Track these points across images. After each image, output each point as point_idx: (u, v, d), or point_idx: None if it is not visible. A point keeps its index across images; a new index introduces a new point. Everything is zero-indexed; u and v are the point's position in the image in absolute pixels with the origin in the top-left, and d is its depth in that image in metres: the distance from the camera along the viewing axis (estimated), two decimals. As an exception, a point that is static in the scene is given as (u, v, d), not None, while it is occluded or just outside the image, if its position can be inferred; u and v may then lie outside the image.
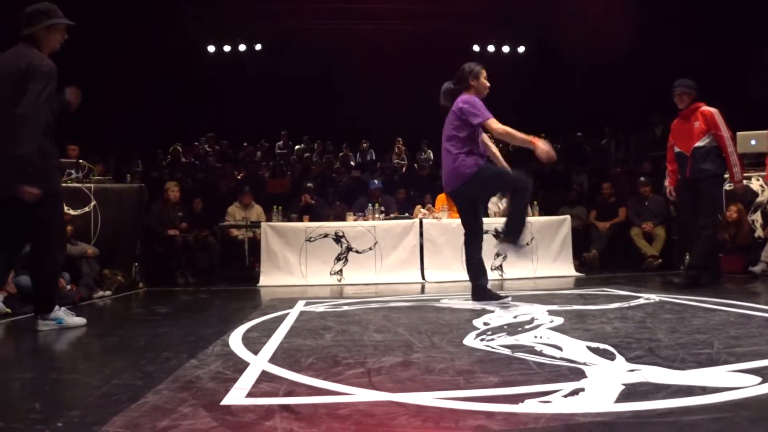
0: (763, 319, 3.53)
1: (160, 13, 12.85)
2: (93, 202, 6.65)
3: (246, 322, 4.01)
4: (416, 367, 2.49)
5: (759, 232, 6.92)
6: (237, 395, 2.14)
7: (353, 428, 1.75)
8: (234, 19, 14.33)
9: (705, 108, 5.59)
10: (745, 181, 7.07)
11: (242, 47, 15.17)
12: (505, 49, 15.76)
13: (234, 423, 1.84)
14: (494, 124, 4.40)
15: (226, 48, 15.16)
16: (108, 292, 6.22)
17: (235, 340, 3.29)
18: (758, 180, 7.16)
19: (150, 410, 1.98)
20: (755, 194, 7.13)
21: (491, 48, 15.67)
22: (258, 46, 15.21)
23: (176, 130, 13.66)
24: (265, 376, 2.44)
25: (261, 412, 1.94)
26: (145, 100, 13.03)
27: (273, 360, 2.73)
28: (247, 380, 2.36)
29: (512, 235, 4.49)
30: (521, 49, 15.87)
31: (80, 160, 7.09)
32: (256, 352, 2.91)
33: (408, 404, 1.95)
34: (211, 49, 15.14)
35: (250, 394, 2.16)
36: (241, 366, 2.62)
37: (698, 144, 5.57)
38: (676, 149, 5.84)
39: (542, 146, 4.36)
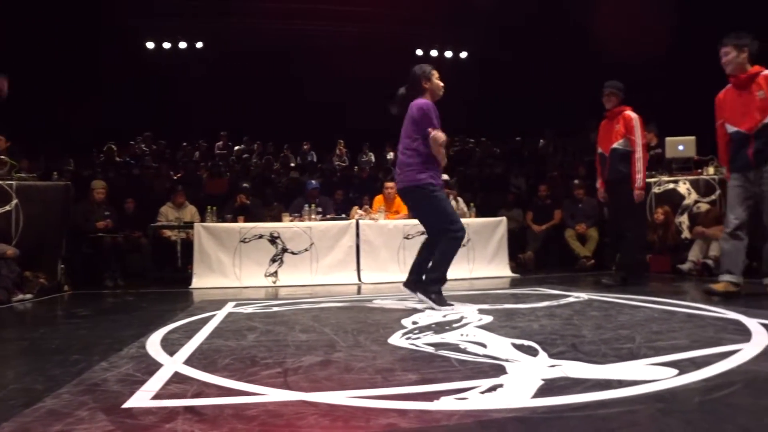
0: (685, 314, 3.59)
1: (99, 8, 12.42)
2: (15, 201, 6.30)
3: (169, 323, 3.85)
4: (335, 366, 2.40)
5: (686, 234, 7.12)
6: (142, 397, 2.03)
7: (258, 429, 1.66)
8: (175, 15, 13.95)
9: (627, 112, 5.75)
10: (672, 185, 7.34)
11: (183, 45, 14.74)
12: (448, 54, 15.87)
13: (132, 426, 1.73)
14: (439, 137, 4.28)
15: (166, 45, 14.71)
16: (29, 295, 5.88)
17: (154, 341, 3.14)
18: (685, 183, 7.37)
19: (44, 415, 1.85)
20: (682, 197, 7.33)
21: (434, 53, 15.75)
22: (199, 44, 14.83)
23: (112, 129, 13.16)
24: (176, 377, 2.32)
25: (163, 414, 1.83)
26: (81, 97, 12.55)
27: (188, 361, 2.61)
28: (155, 382, 2.24)
29: (434, 284, 4.31)
30: (464, 54, 16.01)
31: (2, 156, 6.72)
32: (172, 354, 2.78)
33: (319, 404, 1.87)
34: (151, 45, 14.66)
35: (156, 396, 2.04)
36: (154, 368, 2.49)
37: (615, 146, 5.72)
38: (599, 150, 6.00)
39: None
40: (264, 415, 1.77)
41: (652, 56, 10.86)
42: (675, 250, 7.08)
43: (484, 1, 12.64)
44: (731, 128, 4.49)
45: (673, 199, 7.39)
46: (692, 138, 7.64)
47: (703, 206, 7.01)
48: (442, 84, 4.56)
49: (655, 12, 10.70)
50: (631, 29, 10.71)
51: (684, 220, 7.27)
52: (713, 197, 7.10)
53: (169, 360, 2.65)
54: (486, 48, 14.96)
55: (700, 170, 7.60)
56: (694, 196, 7.28)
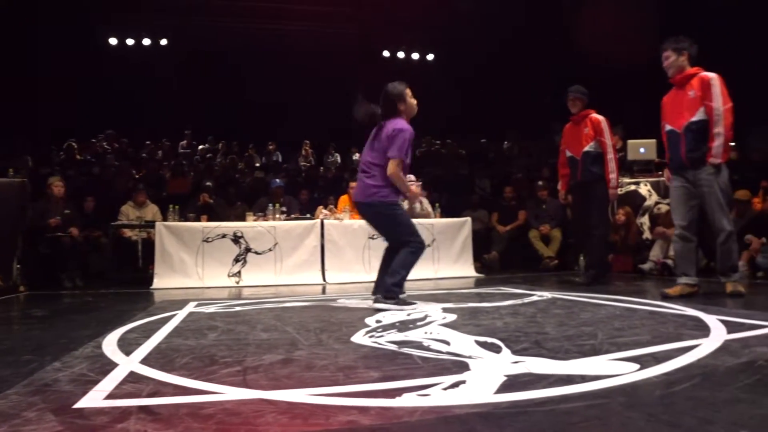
0: (646, 312, 3.64)
1: (61, 2, 12.13)
2: (-34, 198, 6.10)
3: (128, 323, 3.74)
4: (296, 365, 2.36)
5: (647, 234, 7.24)
6: (94, 397, 1.96)
7: (214, 428, 1.60)
8: (139, 12, 13.68)
9: (594, 115, 5.89)
10: (633, 186, 7.46)
11: (147, 42, 14.44)
12: (415, 56, 15.90)
13: (82, 427, 1.66)
14: (394, 166, 4.18)
15: (130, 42, 14.40)
16: (-19, 296, 5.70)
17: (110, 341, 3.05)
18: (646, 185, 7.50)
19: (-12, 417, 1.75)
20: (643, 198, 7.45)
21: (401, 54, 15.77)
22: (164, 41, 14.55)
23: (74, 127, 12.84)
24: (131, 377, 2.24)
25: (116, 414, 1.76)
26: (41, 93, 12.23)
27: (145, 361, 2.53)
28: (109, 382, 2.16)
29: (393, 289, 4.23)
30: (430, 56, 16.06)
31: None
32: (128, 354, 2.70)
33: (279, 402, 1.82)
34: (113, 41, 14.34)
35: (109, 396, 1.97)
36: (109, 368, 2.41)
37: (587, 149, 5.83)
38: (568, 153, 6.08)
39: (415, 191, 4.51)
40: (221, 414, 1.72)
41: (614, 60, 11.02)
42: (636, 250, 7.20)
43: (463, 3, 12.70)
44: (668, 127, 4.62)
45: (634, 200, 7.51)
46: (653, 141, 7.77)
47: (664, 207, 7.12)
48: (415, 102, 4.49)
49: (620, 17, 10.88)
50: (593, 34, 10.87)
51: (645, 220, 7.39)
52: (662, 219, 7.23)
53: (125, 359, 2.57)
54: (452, 50, 15.02)
55: (660, 172, 7.73)
56: (654, 197, 7.40)
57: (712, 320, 3.15)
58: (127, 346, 2.90)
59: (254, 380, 2.11)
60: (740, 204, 6.33)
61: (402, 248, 4.30)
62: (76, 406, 1.85)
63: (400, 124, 4.27)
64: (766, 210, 6.50)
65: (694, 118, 4.38)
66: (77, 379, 2.21)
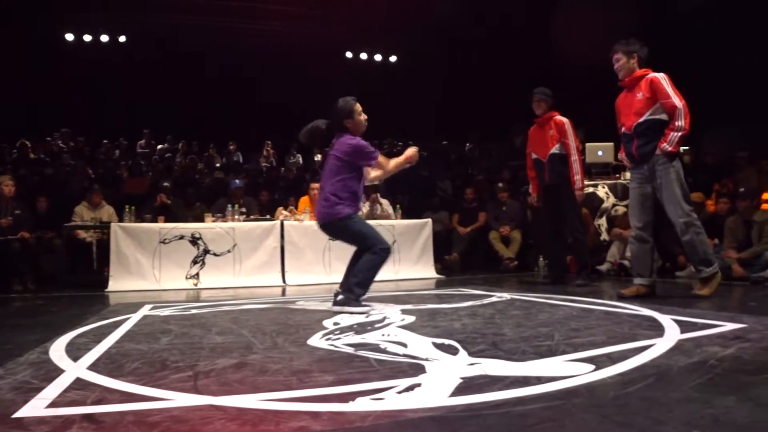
0: (603, 312, 3.67)
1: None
2: None
3: (78, 328, 3.62)
4: (250, 369, 2.30)
5: (604, 236, 7.35)
6: (36, 406, 1.87)
7: (159, 436, 1.54)
8: (97, 7, 13.33)
9: (558, 117, 5.92)
10: (591, 188, 7.56)
11: (105, 38, 14.08)
12: (378, 57, 15.90)
13: (19, 438, 1.57)
14: (375, 172, 4.36)
15: (87, 38, 14.03)
16: (-75, 301, 5.46)
17: (58, 346, 2.94)
18: (603, 187, 7.61)
19: None
20: (601, 200, 7.57)
21: (364, 56, 15.74)
22: (122, 38, 14.21)
23: (27, 125, 12.42)
24: (77, 383, 2.16)
25: (57, 423, 1.69)
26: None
27: (93, 366, 2.44)
28: (54, 389, 2.07)
29: (355, 289, 4.24)
30: (393, 58, 16.07)
31: None
32: (76, 359, 2.60)
33: (228, 408, 1.77)
34: (70, 37, 13.94)
35: (52, 404, 1.89)
36: (54, 374, 2.32)
37: (553, 151, 5.86)
38: (534, 156, 6.10)
39: (411, 152, 4.51)
40: (168, 421, 1.66)
41: (576, 61, 11.18)
42: (594, 251, 7.28)
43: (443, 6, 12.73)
44: (622, 129, 4.70)
45: (592, 202, 7.61)
46: (611, 144, 7.89)
47: (621, 209, 7.24)
48: (364, 118, 4.44)
49: (581, 19, 11.02)
50: (555, 35, 11.01)
51: (603, 222, 7.50)
52: (618, 220, 7.35)
53: (72, 366, 2.47)
54: (415, 52, 15.06)
55: (617, 175, 7.87)
56: (612, 199, 7.52)
57: (666, 320, 3.19)
58: (75, 351, 2.80)
59: (205, 386, 2.05)
60: (693, 206, 6.47)
61: (367, 252, 4.31)
62: (16, 415, 1.77)
63: (347, 139, 4.30)
64: (719, 212, 6.64)
65: (643, 119, 4.45)
66: (19, 387, 2.11)
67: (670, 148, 4.33)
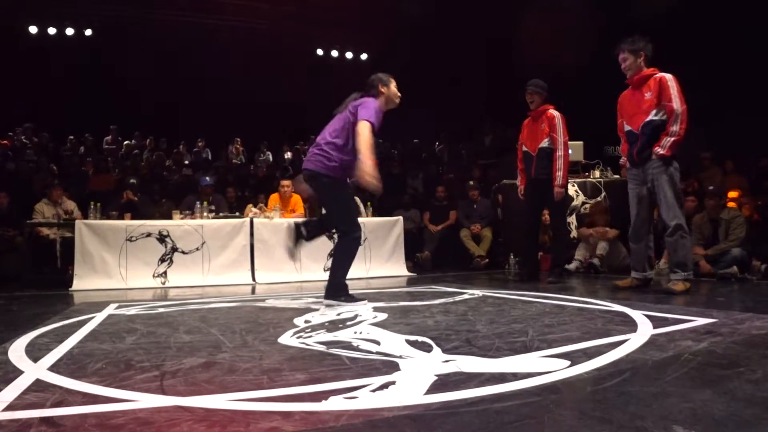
0: (575, 308, 3.67)
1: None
2: None
3: (40, 327, 3.49)
4: (219, 368, 2.22)
5: (574, 233, 7.39)
6: (-8, 409, 1.77)
7: (123, 439, 1.47)
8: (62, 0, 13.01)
9: (551, 111, 5.85)
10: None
11: (70, 31, 13.67)
12: (349, 55, 15.81)
13: (-28, 443, 1.48)
14: (366, 130, 3.95)
15: (51, 30, 13.60)
16: None
17: (18, 347, 2.82)
18: (573, 186, 7.65)
19: None
20: (571, 198, 7.61)
21: (335, 53, 15.64)
22: (88, 32, 13.84)
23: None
24: (37, 385, 2.06)
25: (14, 427, 1.60)
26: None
27: (54, 367, 2.34)
28: (11, 391, 1.97)
29: (342, 288, 4.25)
30: (364, 56, 16.00)
31: None
32: (36, 360, 2.49)
33: (196, 408, 1.69)
34: (33, 30, 13.52)
35: (9, 407, 1.79)
36: (12, 376, 2.21)
37: (542, 145, 5.81)
38: (524, 149, 6.04)
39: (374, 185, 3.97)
40: (132, 424, 1.58)
41: (550, 62, 11.26)
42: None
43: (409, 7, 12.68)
44: (627, 127, 4.75)
45: (564, 200, 7.64)
46: (580, 143, 7.95)
47: (590, 208, 7.31)
48: (399, 94, 4.38)
49: (555, 19, 11.09)
50: (527, 35, 11.05)
51: (572, 220, 7.54)
52: (599, 199, 7.42)
53: (31, 366, 2.37)
54: (386, 50, 15.01)
55: (587, 173, 7.93)
56: (581, 197, 7.57)
57: (638, 315, 3.20)
58: (36, 351, 2.69)
59: (171, 386, 1.97)
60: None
61: (342, 239, 4.27)
62: (-32, 419, 1.68)
63: (372, 99, 4.20)
64: (687, 210, 6.72)
65: (649, 119, 4.49)
66: (-26, 390, 2.01)
67: (662, 152, 4.39)
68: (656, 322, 2.95)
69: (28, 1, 12.84)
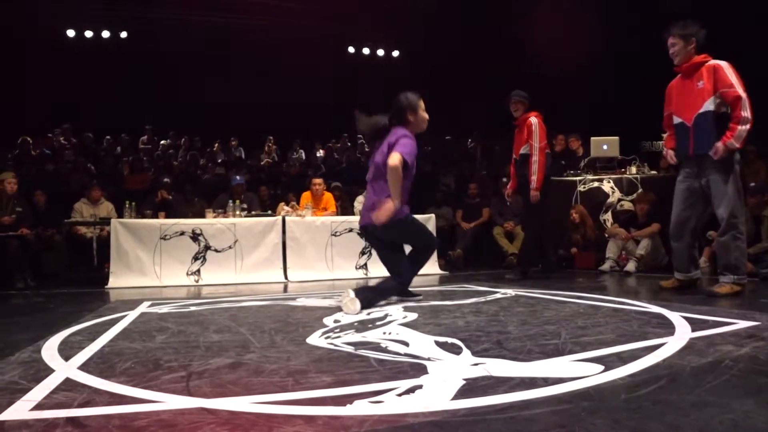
0: (610, 309, 3.57)
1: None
2: None
3: (74, 325, 3.54)
4: (245, 369, 2.21)
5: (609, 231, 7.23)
6: (21, 408, 1.80)
7: (144, 442, 1.46)
8: (97, 2, 13.23)
9: (530, 118, 6.00)
10: (596, 183, 7.47)
11: (106, 34, 13.96)
12: (380, 52, 15.77)
13: (-1, 443, 1.49)
14: (397, 160, 3.83)
15: (88, 34, 13.90)
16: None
17: (51, 345, 2.86)
18: (609, 182, 7.51)
19: None
20: (606, 195, 7.46)
21: (366, 51, 15.63)
22: (123, 34, 14.10)
23: (30, 122, 12.33)
24: (66, 384, 2.08)
25: (40, 427, 1.61)
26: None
27: (84, 366, 2.36)
28: (41, 390, 2.00)
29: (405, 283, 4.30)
30: (396, 53, 15.95)
31: None
32: (68, 358, 2.52)
33: (220, 411, 1.68)
34: (71, 34, 13.83)
35: (38, 407, 1.81)
36: (43, 374, 2.24)
37: (522, 151, 6.08)
38: (514, 156, 6.29)
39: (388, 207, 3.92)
40: (155, 426, 1.58)
41: (577, 61, 11.09)
42: (597, 246, 7.19)
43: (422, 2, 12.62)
44: (676, 119, 4.45)
45: (597, 197, 7.52)
46: (616, 138, 7.80)
47: (626, 204, 7.14)
48: (427, 116, 4.29)
49: (582, 19, 10.92)
50: (560, 35, 10.89)
51: (608, 217, 7.40)
52: (635, 196, 7.25)
53: (63, 365, 2.39)
54: (418, 47, 14.94)
55: (623, 169, 7.76)
56: (617, 194, 7.42)
57: (675, 317, 3.10)
58: (68, 350, 2.73)
59: (197, 387, 1.96)
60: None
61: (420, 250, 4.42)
62: (-2, 418, 1.69)
63: (404, 131, 4.08)
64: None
65: (702, 110, 4.19)
66: (6, 388, 2.04)
67: (737, 145, 4.05)
68: (695, 325, 2.85)
69: (66, 6, 13.10)
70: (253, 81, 14.01)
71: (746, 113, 4.02)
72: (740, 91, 4.05)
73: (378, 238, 4.27)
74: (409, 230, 4.29)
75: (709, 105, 4.16)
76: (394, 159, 3.83)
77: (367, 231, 4.31)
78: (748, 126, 4.03)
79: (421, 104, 4.27)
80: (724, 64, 4.18)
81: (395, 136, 4.04)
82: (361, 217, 4.33)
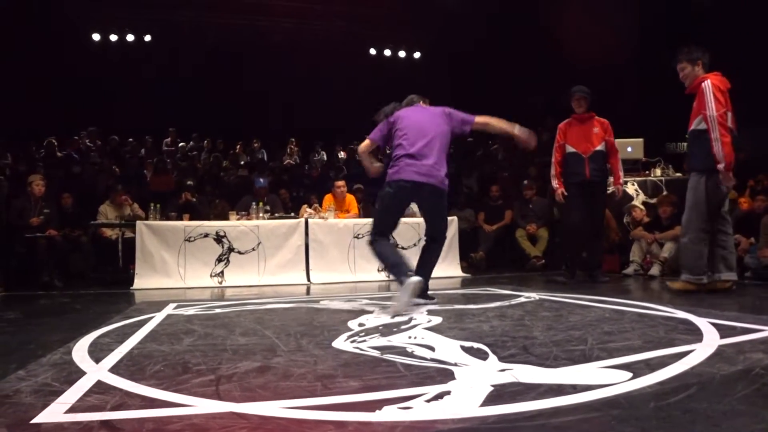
0: (636, 314, 3.54)
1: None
2: (-60, 197, 5.88)
3: (102, 327, 3.60)
4: (273, 373, 2.24)
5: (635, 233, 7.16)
6: (55, 411, 1.83)
7: (179, 446, 1.48)
8: (122, 6, 13.42)
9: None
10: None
11: (131, 37, 14.15)
12: (402, 54, 15.79)
13: (36, 446, 1.53)
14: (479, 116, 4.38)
15: (113, 37, 14.08)
16: (-44, 297, 5.50)
17: (81, 347, 2.91)
18: (633, 184, 7.44)
19: (-64, 433, 1.63)
20: (630, 198, 7.39)
21: (388, 52, 15.65)
22: (147, 38, 14.29)
23: (56, 124, 12.54)
24: (98, 387, 2.12)
25: (75, 430, 1.65)
26: (19, 89, 11.96)
27: (114, 369, 2.41)
28: (74, 393, 2.04)
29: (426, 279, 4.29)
30: (417, 54, 15.95)
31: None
32: (98, 361, 2.57)
33: (251, 416, 1.71)
34: (96, 37, 14.02)
35: (72, 409, 1.85)
36: (76, 376, 2.28)
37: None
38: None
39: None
40: (188, 430, 1.61)
41: (606, 63, 10.99)
42: (623, 249, 7.13)
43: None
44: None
45: (622, 199, 7.43)
46: (640, 140, 7.73)
47: (638, 208, 7.10)
48: None
49: (611, 21, 10.83)
50: (588, 36, 10.81)
51: (631, 220, 7.32)
52: (656, 199, 7.17)
53: (93, 367, 2.44)
54: (439, 49, 14.94)
55: (647, 171, 7.69)
56: (642, 196, 7.35)
57: (703, 323, 3.07)
58: (98, 352, 2.78)
59: (227, 391, 1.99)
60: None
61: (435, 243, 4.45)
62: (34, 420, 1.73)
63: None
64: (755, 209, 6.44)
65: (692, 128, 4.49)
66: (40, 390, 2.08)
67: (721, 166, 4.30)
68: (723, 331, 2.82)
69: (92, 10, 13.30)
70: (274, 83, 14.09)
71: (714, 133, 4.28)
72: (709, 111, 4.29)
73: (410, 201, 4.45)
74: (445, 207, 4.43)
75: (695, 124, 4.46)
76: (479, 117, 4.35)
77: (416, 187, 4.18)
78: (718, 145, 4.27)
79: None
80: (708, 82, 4.34)
81: (437, 109, 4.44)
82: (417, 174, 4.16)
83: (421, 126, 4.27)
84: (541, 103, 13.00)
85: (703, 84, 4.34)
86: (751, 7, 9.32)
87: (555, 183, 6.08)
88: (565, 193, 5.98)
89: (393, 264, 4.05)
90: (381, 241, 4.24)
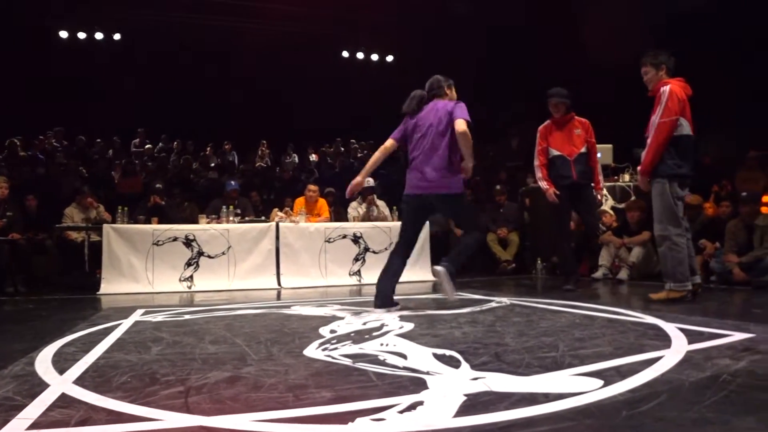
0: (605, 319, 3.58)
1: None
2: None
3: (67, 335, 3.51)
4: (244, 383, 2.20)
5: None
6: (17, 427, 1.77)
7: (146, 463, 1.44)
8: (91, 4, 13.18)
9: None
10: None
11: (99, 36, 13.89)
12: (374, 57, 15.79)
13: (-4, 464, 1.47)
14: (464, 125, 4.06)
15: (81, 35, 13.83)
16: None
17: (45, 357, 2.83)
18: (602, 190, 7.51)
19: None
20: (599, 203, 7.46)
21: (360, 55, 15.63)
22: (117, 36, 14.05)
23: (21, 124, 12.24)
24: (62, 400, 2.05)
25: (38, 447, 1.58)
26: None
27: (79, 380, 2.34)
28: (37, 407, 1.97)
29: (453, 264, 4.27)
30: (390, 58, 15.96)
31: None
32: (62, 372, 2.49)
33: (220, 429, 1.67)
34: (64, 35, 13.75)
35: (34, 425, 1.79)
36: (38, 389, 2.21)
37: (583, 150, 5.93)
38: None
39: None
40: (155, 445, 1.57)
41: (570, 64, 11.12)
42: (593, 252, 7.20)
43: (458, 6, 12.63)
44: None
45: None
46: (609, 146, 7.82)
47: (608, 213, 7.18)
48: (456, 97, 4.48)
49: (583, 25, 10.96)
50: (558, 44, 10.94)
51: (600, 225, 7.39)
52: (624, 204, 7.27)
53: (57, 379, 2.37)
54: (412, 53, 14.96)
55: (616, 177, 7.79)
56: (610, 201, 7.44)
57: (671, 329, 3.11)
58: (62, 362, 2.70)
59: (196, 403, 1.95)
60: (691, 209, 6.34)
61: (471, 232, 4.40)
62: (-6, 437, 1.67)
63: (448, 101, 4.32)
64: (719, 215, 6.57)
65: (647, 134, 4.47)
66: (0, 404, 2.01)
67: (639, 168, 4.44)
68: (691, 337, 2.86)
69: (59, 6, 13.04)
70: (247, 83, 13.98)
71: (650, 138, 4.36)
72: (655, 116, 4.33)
73: (427, 209, 4.35)
74: (466, 206, 4.46)
75: (651, 127, 4.42)
76: (461, 125, 4.01)
77: (420, 199, 4.25)
78: (647, 150, 4.36)
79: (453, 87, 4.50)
80: (665, 89, 4.35)
81: (446, 105, 4.23)
82: (413, 186, 4.27)
83: (425, 131, 4.26)
84: (508, 106, 13.14)
85: (662, 89, 4.36)
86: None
87: (545, 184, 5.98)
88: (557, 192, 5.93)
89: (376, 290, 4.31)
90: (391, 258, 4.43)
